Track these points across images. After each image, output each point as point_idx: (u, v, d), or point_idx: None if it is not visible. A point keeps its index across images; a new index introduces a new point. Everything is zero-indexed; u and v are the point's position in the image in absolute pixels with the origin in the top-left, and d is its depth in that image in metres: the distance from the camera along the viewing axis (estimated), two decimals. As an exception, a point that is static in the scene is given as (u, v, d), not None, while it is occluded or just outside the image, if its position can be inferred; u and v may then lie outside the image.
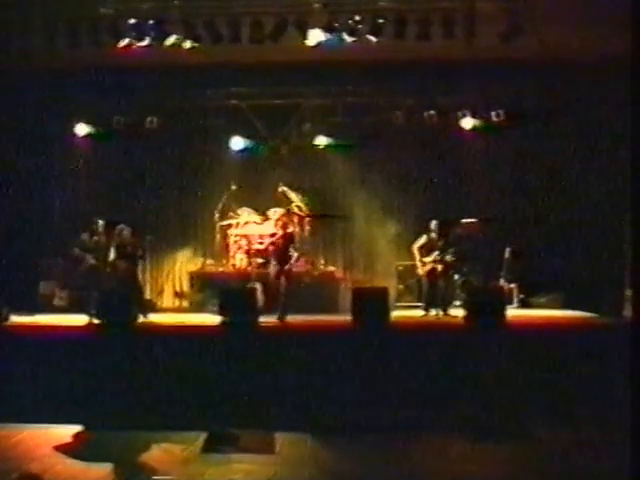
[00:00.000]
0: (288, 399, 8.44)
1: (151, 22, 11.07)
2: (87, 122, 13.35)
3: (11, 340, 9.27)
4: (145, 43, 11.13)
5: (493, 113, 12.88)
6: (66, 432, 7.81)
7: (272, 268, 11.07)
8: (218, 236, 13.05)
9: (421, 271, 11.45)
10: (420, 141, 13.36)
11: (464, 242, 11.61)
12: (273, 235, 12.08)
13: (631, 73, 5.34)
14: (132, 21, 11.07)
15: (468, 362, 8.73)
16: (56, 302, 12.66)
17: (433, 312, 11.29)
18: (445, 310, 11.23)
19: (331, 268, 13.35)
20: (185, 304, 13.56)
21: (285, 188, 12.80)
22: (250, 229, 12.77)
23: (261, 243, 12.38)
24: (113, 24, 11.15)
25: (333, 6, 11.15)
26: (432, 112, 12.96)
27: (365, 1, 11.21)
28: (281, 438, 7.59)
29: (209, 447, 7.31)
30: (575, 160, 12.62)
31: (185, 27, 11.15)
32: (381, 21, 10.98)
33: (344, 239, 13.93)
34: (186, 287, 13.65)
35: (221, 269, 12.90)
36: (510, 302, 12.03)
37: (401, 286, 13.00)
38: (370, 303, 9.74)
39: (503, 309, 9.77)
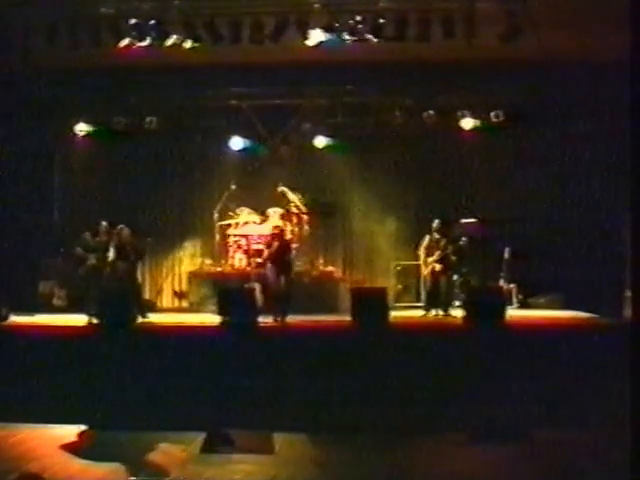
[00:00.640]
0: (288, 399, 8.43)
1: (151, 22, 11.05)
2: (87, 122, 13.37)
3: (10, 340, 9.26)
4: (145, 43, 11.11)
5: (493, 113, 12.90)
6: (65, 432, 7.81)
7: (271, 268, 11.07)
8: (217, 236, 13.05)
9: (425, 271, 11.45)
10: (420, 141, 13.37)
11: (464, 242, 11.62)
12: (272, 235, 12.08)
13: (631, 73, 5.34)
14: (132, 21, 11.05)
15: (468, 362, 8.72)
16: (55, 302, 12.68)
17: (433, 312, 11.30)
18: (445, 310, 11.24)
19: (330, 268, 13.36)
20: (184, 304, 13.57)
21: (284, 188, 12.80)
22: (249, 229, 12.77)
23: (260, 243, 12.38)
24: (113, 24, 11.13)
25: (333, 6, 11.12)
26: (432, 112, 12.97)
27: (365, 1, 11.18)
28: (281, 438, 7.58)
29: (209, 447, 7.31)
30: (575, 160, 12.62)
31: (185, 27, 11.13)
32: (381, 21, 10.96)
33: (343, 239, 13.95)
34: (185, 287, 13.66)
35: (220, 269, 12.90)
36: (510, 302, 12.03)
37: (400, 286, 13.01)
38: (369, 303, 9.74)
39: (503, 309, 9.78)
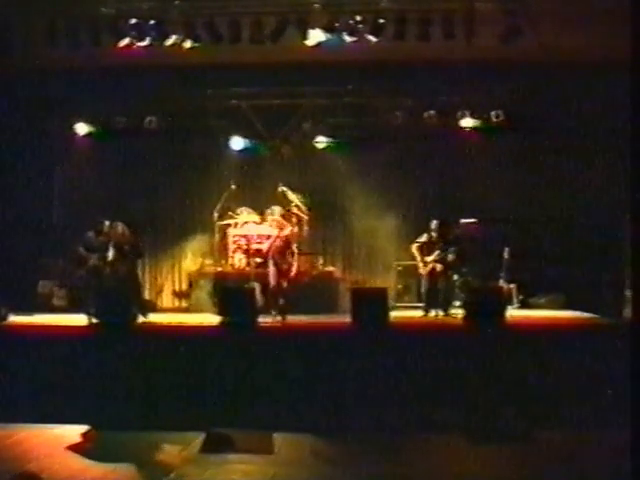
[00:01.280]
0: (287, 399, 8.43)
1: (151, 22, 11.07)
2: (87, 122, 13.38)
3: (10, 340, 9.26)
4: (145, 43, 11.13)
5: (493, 113, 12.90)
6: (65, 432, 7.81)
7: (271, 268, 11.07)
8: (217, 236, 13.04)
9: (422, 271, 11.45)
10: (420, 141, 13.36)
11: (464, 242, 11.61)
12: (272, 235, 12.08)
13: (631, 73, 5.34)
14: (132, 21, 11.07)
15: (468, 362, 8.71)
16: (55, 302, 12.68)
17: (433, 312, 11.29)
18: (445, 310, 11.23)
19: (330, 268, 13.36)
20: (184, 304, 13.57)
21: (285, 188, 12.79)
22: (249, 229, 12.76)
23: (260, 243, 12.37)
24: (113, 24, 11.14)
25: (333, 6, 11.14)
26: (432, 112, 12.97)
27: (365, 1, 11.20)
28: (281, 438, 7.58)
29: (208, 447, 7.30)
30: (575, 160, 12.62)
31: (185, 27, 11.15)
32: (381, 21, 10.97)
33: (343, 239, 13.94)
34: (185, 287, 13.66)
35: (220, 269, 12.89)
36: (510, 302, 12.02)
37: (400, 286, 13.00)
38: (369, 303, 9.73)
39: (503, 309, 9.77)
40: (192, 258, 13.84)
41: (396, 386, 8.51)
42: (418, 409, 8.23)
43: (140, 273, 12.38)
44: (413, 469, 6.68)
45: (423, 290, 11.68)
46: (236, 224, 12.90)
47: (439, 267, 11.26)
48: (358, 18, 10.99)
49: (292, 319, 10.74)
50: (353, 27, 11.01)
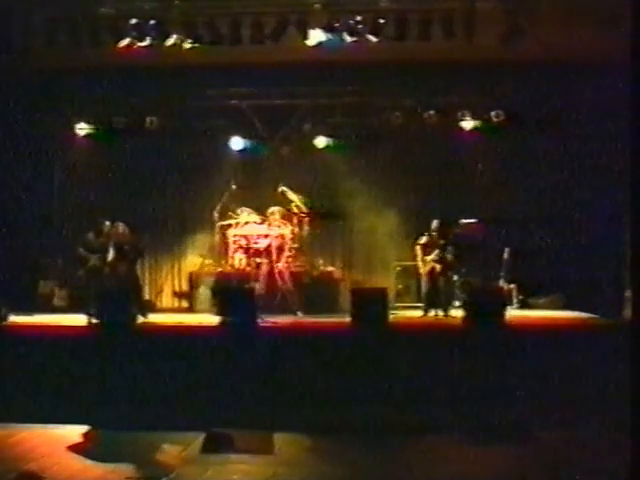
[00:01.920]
0: (288, 399, 8.43)
1: (151, 22, 11.08)
2: (87, 122, 13.37)
3: (10, 340, 9.26)
4: (145, 43, 11.14)
5: (493, 113, 12.89)
6: (65, 432, 7.80)
7: (271, 268, 11.09)
8: (217, 236, 13.04)
9: (422, 270, 11.46)
10: (420, 141, 13.36)
11: (464, 242, 11.61)
12: (272, 235, 12.10)
13: (631, 73, 5.33)
14: (133, 21, 11.09)
15: (467, 363, 8.71)
16: (55, 302, 12.67)
17: (432, 312, 11.30)
18: (445, 310, 11.23)
19: (330, 268, 13.35)
20: (184, 304, 13.57)
21: (285, 188, 12.79)
22: (249, 229, 12.75)
23: (260, 243, 12.37)
24: (113, 24, 11.16)
25: (333, 6, 11.16)
26: (432, 112, 12.96)
27: (365, 1, 11.22)
28: (281, 438, 7.58)
29: (208, 447, 7.30)
30: (575, 160, 12.62)
31: (185, 27, 11.16)
32: (381, 21, 10.99)
33: (343, 239, 13.93)
34: (185, 287, 13.66)
35: (220, 269, 12.89)
36: (510, 303, 12.03)
37: (400, 286, 13.00)
38: (369, 304, 9.73)
39: (503, 310, 9.77)
40: (192, 258, 13.83)
41: (396, 386, 8.52)
42: (418, 409, 8.23)
43: (140, 273, 12.38)
44: (413, 469, 6.68)
45: (423, 290, 11.69)
46: (236, 224, 12.89)
47: (439, 267, 11.27)
48: (358, 18, 11.01)
49: (292, 319, 10.74)
50: (353, 27, 11.02)
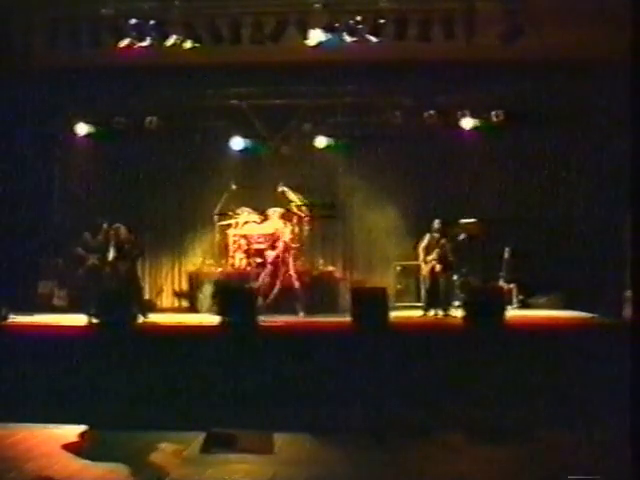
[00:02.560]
0: (288, 399, 8.43)
1: (152, 22, 11.07)
2: (87, 122, 13.38)
3: (10, 340, 9.26)
4: (145, 43, 11.14)
5: (493, 113, 12.91)
6: (65, 432, 7.80)
7: (271, 268, 11.09)
8: (217, 236, 13.06)
9: (422, 271, 11.46)
10: (420, 141, 13.36)
11: (464, 242, 11.62)
12: (272, 235, 12.11)
13: (631, 73, 5.34)
14: (133, 21, 11.07)
15: (467, 362, 8.71)
16: (55, 302, 12.69)
17: (432, 312, 11.30)
18: (445, 310, 11.24)
19: (330, 268, 13.36)
20: (184, 304, 13.57)
21: (285, 188, 12.79)
22: (249, 229, 12.76)
23: (260, 243, 12.38)
24: (114, 24, 11.15)
25: (333, 6, 11.15)
26: (432, 112, 12.98)
27: (365, 1, 11.21)
28: (281, 438, 7.57)
29: (209, 447, 7.30)
30: (575, 160, 12.63)
31: (185, 27, 11.15)
32: (381, 21, 10.98)
33: (344, 239, 13.94)
34: (185, 287, 13.67)
35: (220, 269, 12.90)
36: (510, 302, 12.04)
37: (400, 286, 13.01)
38: (369, 303, 9.73)
39: (503, 309, 9.77)
40: (192, 258, 13.85)
41: (396, 386, 8.52)
42: (417, 409, 8.23)
43: (140, 273, 12.39)
44: (413, 469, 6.69)
45: (423, 290, 11.69)
46: (236, 224, 12.90)
47: (439, 267, 11.27)
48: (358, 18, 11.00)
49: (292, 319, 10.73)
50: (353, 27, 11.01)
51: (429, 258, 11.32)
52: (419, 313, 11.41)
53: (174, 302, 13.97)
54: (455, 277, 11.81)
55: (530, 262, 12.47)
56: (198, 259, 13.67)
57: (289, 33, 11.04)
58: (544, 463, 6.82)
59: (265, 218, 12.71)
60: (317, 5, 11.05)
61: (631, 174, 5.38)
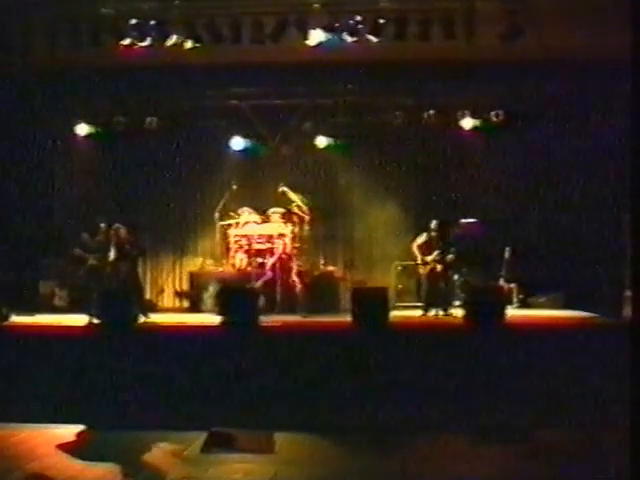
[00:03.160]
0: (288, 399, 8.43)
1: (152, 22, 11.08)
2: (87, 122, 13.39)
3: (11, 340, 9.27)
4: (146, 43, 11.14)
5: (493, 113, 12.92)
6: (66, 432, 7.81)
7: (272, 268, 11.10)
8: (218, 236, 13.06)
9: (422, 270, 11.46)
10: (420, 141, 13.36)
11: (464, 242, 11.62)
12: (273, 235, 12.12)
13: (631, 73, 5.34)
14: (133, 21, 11.08)
15: (468, 362, 8.72)
16: (56, 302, 12.69)
17: (432, 312, 11.30)
18: (445, 310, 11.24)
19: (331, 268, 13.36)
20: (185, 304, 13.57)
21: (285, 188, 12.81)
22: (250, 229, 12.77)
23: (261, 243, 12.39)
24: (114, 24, 11.15)
25: (333, 6, 11.15)
26: (432, 112, 12.99)
27: (365, 1, 11.21)
28: (281, 438, 7.58)
29: (209, 447, 7.30)
30: (575, 160, 12.62)
31: (186, 27, 11.15)
32: (381, 21, 10.98)
33: (344, 239, 13.95)
34: (186, 287, 13.67)
35: (221, 269, 12.90)
36: (510, 302, 12.04)
37: (400, 286, 13.01)
38: (370, 303, 9.74)
39: (503, 309, 9.77)
40: (193, 258, 13.85)
41: (395, 386, 8.52)
42: (417, 408, 8.23)
43: (141, 273, 12.39)
44: (413, 468, 6.69)
45: (423, 290, 11.69)
46: (237, 224, 12.91)
47: (439, 267, 11.28)
48: (358, 18, 11.00)
49: (292, 319, 10.74)
50: (353, 27, 11.01)
51: (429, 258, 11.32)
52: (419, 313, 11.41)
53: (175, 302, 13.97)
54: (455, 277, 11.81)
55: (530, 262, 12.48)
56: (199, 259, 13.67)
57: (289, 33, 11.05)
58: (543, 462, 6.83)
59: (266, 218, 12.72)
60: (317, 5, 11.05)
61: (631, 174, 5.38)
